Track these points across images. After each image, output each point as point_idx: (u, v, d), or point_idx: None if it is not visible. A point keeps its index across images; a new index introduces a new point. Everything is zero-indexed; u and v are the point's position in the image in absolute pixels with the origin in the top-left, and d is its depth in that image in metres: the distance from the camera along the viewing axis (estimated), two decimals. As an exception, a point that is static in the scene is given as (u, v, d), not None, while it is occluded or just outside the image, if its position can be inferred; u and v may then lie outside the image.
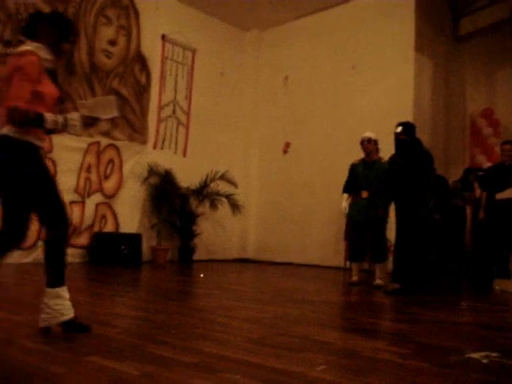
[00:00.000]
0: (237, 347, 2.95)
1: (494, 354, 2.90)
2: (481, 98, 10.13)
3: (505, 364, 2.76)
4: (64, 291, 3.03)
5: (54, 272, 3.00)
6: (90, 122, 3.14)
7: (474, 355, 2.88)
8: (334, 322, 4.20)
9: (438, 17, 10.07)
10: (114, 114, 3.20)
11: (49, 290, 2.99)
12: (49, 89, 3.06)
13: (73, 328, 3.05)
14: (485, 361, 2.77)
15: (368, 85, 9.67)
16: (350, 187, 7.07)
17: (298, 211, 10.52)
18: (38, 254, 7.72)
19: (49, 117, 2.93)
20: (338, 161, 9.78)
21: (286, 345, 3.03)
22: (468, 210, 8.61)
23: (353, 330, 3.76)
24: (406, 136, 6.05)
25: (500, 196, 6.80)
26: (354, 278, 6.91)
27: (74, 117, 3.04)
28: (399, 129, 6.06)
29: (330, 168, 9.79)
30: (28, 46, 3.03)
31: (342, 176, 9.70)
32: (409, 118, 9.01)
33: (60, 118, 2.98)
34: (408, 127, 6.11)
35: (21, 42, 3.13)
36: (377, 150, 6.94)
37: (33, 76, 2.93)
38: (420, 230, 6.03)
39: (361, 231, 6.84)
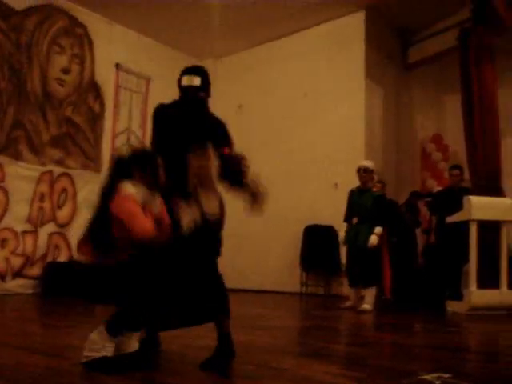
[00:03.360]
0: (192, 377, 2.94)
1: (446, 375, 2.96)
2: (430, 123, 10.42)
3: (456, 384, 2.82)
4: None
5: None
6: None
7: (427, 376, 2.93)
8: (289, 347, 4.21)
9: (388, 45, 10.36)
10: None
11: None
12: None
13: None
14: (437, 382, 2.82)
15: (320, 112, 9.83)
16: (348, 215, 7.08)
17: (254, 238, 10.51)
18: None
19: None
20: (291, 188, 9.88)
21: (242, 373, 3.03)
22: (418, 233, 8.81)
23: (308, 355, 3.78)
24: (205, 93, 3.93)
25: (450, 220, 6.97)
26: (349, 303, 6.95)
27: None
28: (197, 81, 3.86)
29: (284, 195, 9.75)
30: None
31: (295, 203, 9.84)
32: (361, 144, 9.26)
33: None
34: (207, 81, 3.96)
35: None
36: (372, 179, 7.06)
37: None
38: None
39: (353, 257, 6.88)
